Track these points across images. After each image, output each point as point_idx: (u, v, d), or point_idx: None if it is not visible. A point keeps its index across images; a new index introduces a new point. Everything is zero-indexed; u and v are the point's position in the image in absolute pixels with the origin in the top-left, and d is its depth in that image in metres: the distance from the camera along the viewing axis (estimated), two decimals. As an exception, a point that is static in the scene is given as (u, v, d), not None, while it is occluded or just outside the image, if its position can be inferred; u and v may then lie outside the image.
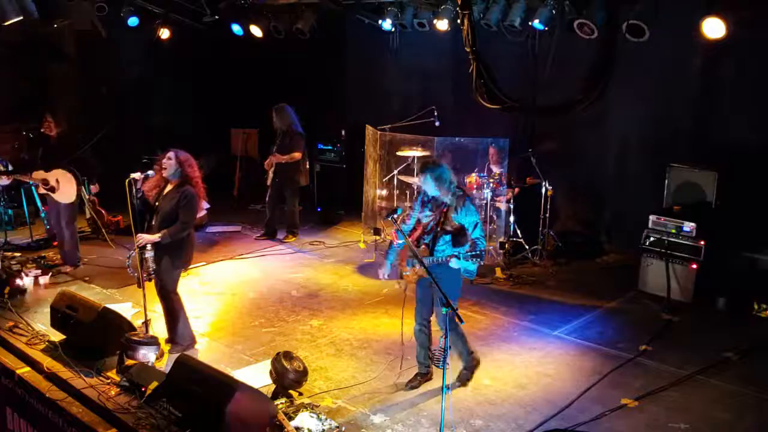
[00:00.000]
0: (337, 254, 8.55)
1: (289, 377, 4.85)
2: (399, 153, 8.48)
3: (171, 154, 5.50)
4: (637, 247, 7.21)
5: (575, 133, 8.45)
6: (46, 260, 7.88)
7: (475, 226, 4.89)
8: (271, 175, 8.87)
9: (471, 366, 5.30)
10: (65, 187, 7.44)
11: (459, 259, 4.78)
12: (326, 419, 4.60)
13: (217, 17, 9.89)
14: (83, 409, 4.73)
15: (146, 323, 5.59)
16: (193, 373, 4.56)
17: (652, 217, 7.12)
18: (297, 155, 8.74)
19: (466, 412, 4.82)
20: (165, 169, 5.47)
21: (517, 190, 8.21)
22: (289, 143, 8.71)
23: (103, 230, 8.53)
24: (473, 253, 4.71)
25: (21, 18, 7.35)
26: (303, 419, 4.56)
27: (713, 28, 6.52)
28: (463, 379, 5.28)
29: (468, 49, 8.16)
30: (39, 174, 7.43)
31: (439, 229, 4.94)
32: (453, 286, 4.89)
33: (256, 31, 9.84)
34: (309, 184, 9.91)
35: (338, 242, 9.05)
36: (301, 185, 9.10)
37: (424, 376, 5.29)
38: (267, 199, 9.08)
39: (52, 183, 7.40)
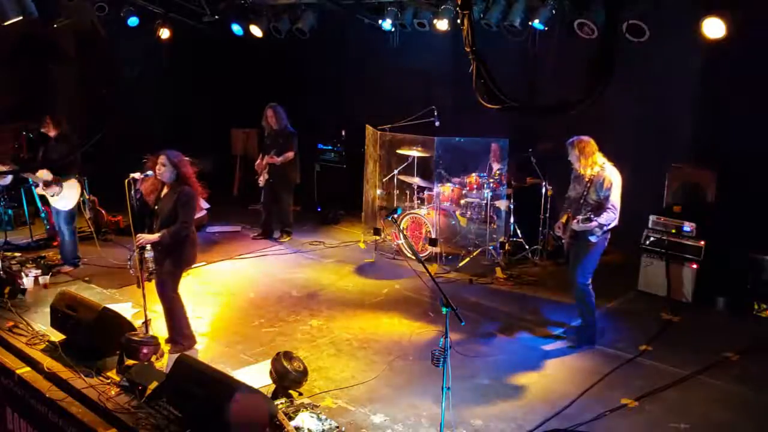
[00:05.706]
0: (337, 254, 8.54)
1: (289, 377, 4.85)
2: (399, 151, 8.48)
3: (164, 159, 5.40)
4: (637, 247, 7.20)
5: (575, 133, 8.40)
6: (46, 260, 7.86)
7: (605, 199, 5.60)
8: (265, 175, 8.87)
9: (581, 331, 5.97)
10: (67, 194, 7.42)
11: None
12: (326, 419, 4.60)
13: (217, 17, 9.88)
14: (83, 409, 4.73)
15: (146, 323, 5.59)
16: (193, 373, 4.56)
17: (652, 217, 7.12)
18: (290, 155, 8.76)
19: (466, 412, 4.81)
20: (161, 174, 5.42)
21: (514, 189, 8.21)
22: (283, 143, 8.71)
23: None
24: (592, 221, 5.45)
25: (21, 18, 7.34)
26: (303, 419, 4.56)
27: (713, 28, 6.51)
28: (572, 336, 6.05)
29: (468, 49, 8.14)
30: (44, 175, 7.37)
31: (582, 201, 5.70)
32: (585, 256, 5.75)
33: (256, 31, 9.83)
34: (302, 182, 9.91)
35: (338, 242, 9.05)
36: (296, 183, 9.12)
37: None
38: (262, 199, 9.08)
39: (55, 187, 7.38)
